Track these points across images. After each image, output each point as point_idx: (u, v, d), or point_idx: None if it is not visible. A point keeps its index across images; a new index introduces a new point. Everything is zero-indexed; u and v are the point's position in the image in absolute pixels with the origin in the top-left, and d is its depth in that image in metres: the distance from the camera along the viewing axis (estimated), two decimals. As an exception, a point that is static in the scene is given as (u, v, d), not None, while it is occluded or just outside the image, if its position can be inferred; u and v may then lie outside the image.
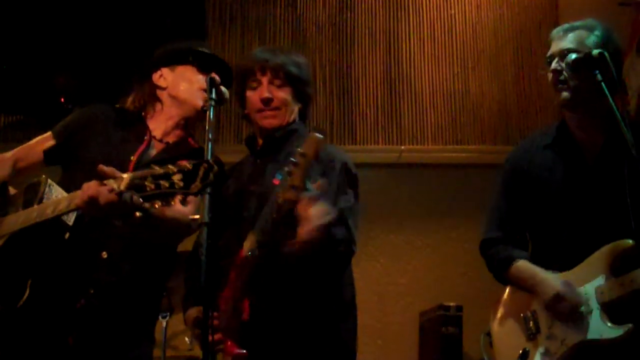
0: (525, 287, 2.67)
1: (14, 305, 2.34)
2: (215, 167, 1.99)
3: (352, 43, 5.68)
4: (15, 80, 5.16)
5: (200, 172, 1.98)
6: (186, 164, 2.00)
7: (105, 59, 5.08)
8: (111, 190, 2.13)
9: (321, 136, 2.12)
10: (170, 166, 2.01)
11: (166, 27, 5.05)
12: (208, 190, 2.05)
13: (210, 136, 2.22)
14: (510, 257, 2.71)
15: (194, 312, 2.59)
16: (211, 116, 2.33)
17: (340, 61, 5.64)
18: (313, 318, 2.52)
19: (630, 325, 2.38)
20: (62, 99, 5.07)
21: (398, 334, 5.04)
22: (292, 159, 2.14)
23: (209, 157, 2.14)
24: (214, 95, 2.39)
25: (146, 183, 2.03)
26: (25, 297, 2.34)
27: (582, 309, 2.48)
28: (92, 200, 2.16)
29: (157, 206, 2.12)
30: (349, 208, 2.56)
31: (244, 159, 2.87)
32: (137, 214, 2.27)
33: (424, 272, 5.28)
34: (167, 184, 2.00)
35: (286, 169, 2.14)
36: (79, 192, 2.22)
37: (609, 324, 2.41)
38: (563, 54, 2.62)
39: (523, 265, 2.68)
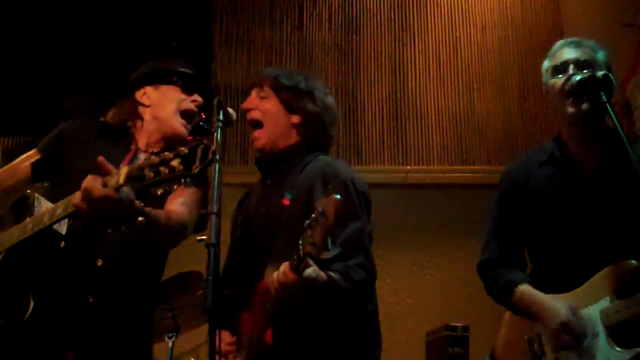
0: (528, 314, 2.60)
1: (19, 319, 2.33)
2: (212, 146, 1.98)
3: (358, 65, 5.73)
4: (21, 101, 5.21)
5: (199, 153, 1.96)
6: (182, 148, 1.98)
7: (113, 80, 5.12)
8: (105, 185, 2.09)
9: (339, 198, 2.06)
10: (166, 153, 1.99)
11: (173, 49, 5.10)
12: (216, 173, 2.07)
13: (217, 157, 2.23)
14: (510, 283, 2.64)
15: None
16: (219, 138, 2.35)
17: (346, 83, 5.68)
18: (337, 344, 2.50)
19: (638, 349, 2.33)
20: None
21: (404, 354, 5.01)
22: (313, 215, 2.08)
23: (217, 179, 2.15)
24: (221, 117, 2.42)
25: (145, 172, 2.00)
26: (30, 310, 2.33)
27: (586, 339, 2.43)
28: (87, 194, 2.11)
29: (159, 193, 2.09)
30: (360, 229, 2.54)
31: (256, 184, 2.86)
32: (140, 218, 2.25)
33: (431, 292, 5.27)
34: (166, 170, 1.97)
35: (307, 222, 2.09)
36: (76, 194, 2.18)
37: (617, 349, 2.36)
38: (579, 63, 2.62)
39: (525, 291, 2.61)
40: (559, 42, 2.77)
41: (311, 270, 2.23)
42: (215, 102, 2.46)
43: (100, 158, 2.17)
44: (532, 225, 2.71)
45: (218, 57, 5.65)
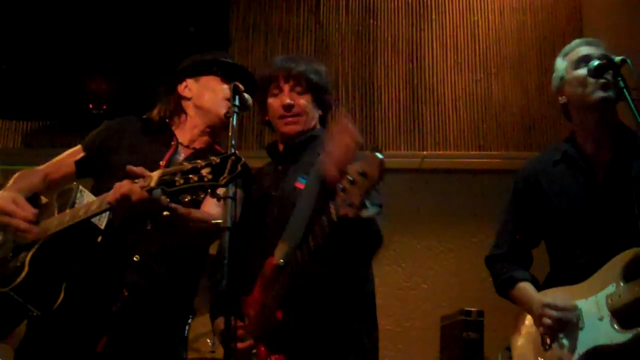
0: (524, 308, 2.74)
1: (49, 308, 2.38)
2: (242, 160, 2.02)
3: (375, 50, 5.72)
4: (39, 86, 5.25)
5: (228, 165, 2.01)
6: (214, 157, 2.04)
7: (131, 66, 5.16)
8: (143, 187, 2.16)
9: (382, 156, 2.04)
10: (198, 161, 2.05)
11: (191, 35, 5.13)
12: (236, 183, 2.09)
13: (233, 142, 2.26)
14: (511, 279, 2.77)
15: (222, 322, 2.62)
16: (234, 123, 2.37)
17: (362, 68, 5.68)
18: (338, 320, 2.54)
19: (638, 329, 2.39)
20: (91, 105, 5.14)
21: (419, 339, 5.05)
22: (348, 177, 2.06)
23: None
24: (237, 102, 2.44)
25: (175, 178, 2.07)
26: (60, 299, 2.39)
27: (576, 316, 2.52)
28: (125, 198, 2.19)
29: (186, 200, 2.14)
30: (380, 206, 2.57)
31: (264, 166, 2.90)
32: (165, 213, 2.31)
33: (446, 277, 5.29)
34: (195, 178, 2.03)
35: (340, 185, 2.09)
36: (110, 192, 2.26)
37: (617, 328, 2.43)
38: (602, 57, 2.65)
39: (522, 289, 2.73)
40: (575, 42, 2.83)
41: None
42: (231, 87, 2.49)
43: (129, 167, 2.24)
44: (547, 223, 2.77)
45: (235, 43, 5.66)
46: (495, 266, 2.87)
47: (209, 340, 4.26)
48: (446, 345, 4.67)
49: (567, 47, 2.83)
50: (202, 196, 2.16)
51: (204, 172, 2.02)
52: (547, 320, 2.56)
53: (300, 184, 2.61)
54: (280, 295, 2.41)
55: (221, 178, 2.01)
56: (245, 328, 2.54)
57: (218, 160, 2.02)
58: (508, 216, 2.90)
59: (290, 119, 2.74)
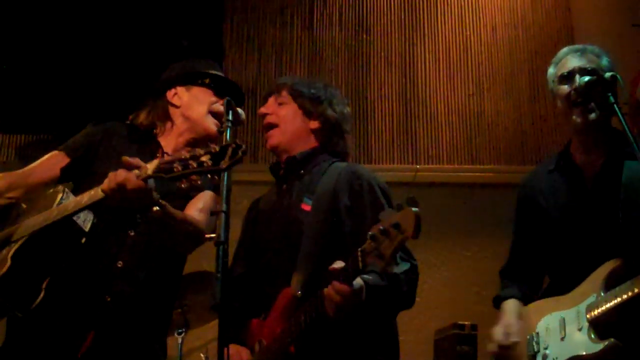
0: None
1: (27, 307, 2.37)
2: (243, 146, 2.01)
3: (368, 64, 5.75)
4: (33, 99, 5.25)
5: (229, 151, 2.00)
6: (214, 146, 2.04)
7: (125, 79, 5.16)
8: (138, 176, 2.17)
9: (417, 210, 1.90)
10: (198, 149, 2.05)
11: (185, 48, 5.14)
12: (235, 164, 2.06)
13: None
14: (498, 298, 2.84)
15: (233, 350, 2.50)
16: (228, 137, 2.37)
17: (356, 82, 5.71)
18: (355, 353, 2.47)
19: (611, 339, 2.39)
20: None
21: (413, 353, 5.01)
22: (379, 227, 1.95)
23: (225, 181, 2.17)
24: (230, 117, 2.44)
25: (174, 165, 2.07)
26: (39, 298, 2.37)
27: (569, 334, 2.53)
28: (120, 186, 2.19)
29: (183, 186, 2.14)
30: None
31: (269, 190, 2.85)
32: (155, 208, 2.31)
33: (439, 291, 5.28)
34: (195, 164, 2.03)
35: (370, 232, 1.98)
36: (104, 182, 2.25)
37: (593, 338, 2.43)
38: (584, 71, 2.65)
39: (502, 308, 2.78)
40: (564, 50, 2.82)
41: (358, 279, 2.19)
42: (224, 101, 2.49)
43: (125, 158, 2.24)
44: (541, 232, 2.79)
45: (229, 57, 5.68)
46: (501, 282, 2.93)
47: (202, 355, 4.24)
48: (439, 359, 4.67)
49: (557, 56, 2.81)
50: (199, 182, 2.12)
51: (204, 158, 2.02)
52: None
53: (307, 206, 2.57)
54: (297, 332, 2.33)
55: (222, 162, 2.00)
56: (255, 356, 2.49)
57: (217, 149, 2.02)
58: (514, 231, 2.93)
59: (266, 134, 2.72)
